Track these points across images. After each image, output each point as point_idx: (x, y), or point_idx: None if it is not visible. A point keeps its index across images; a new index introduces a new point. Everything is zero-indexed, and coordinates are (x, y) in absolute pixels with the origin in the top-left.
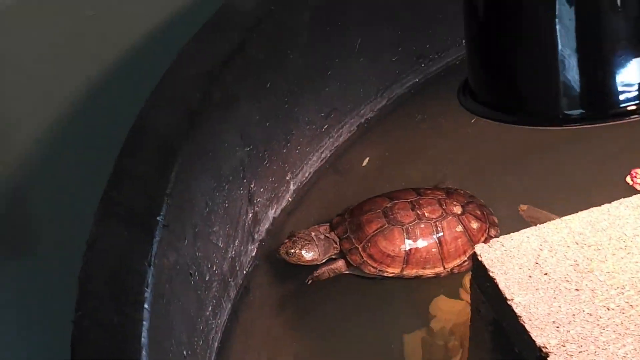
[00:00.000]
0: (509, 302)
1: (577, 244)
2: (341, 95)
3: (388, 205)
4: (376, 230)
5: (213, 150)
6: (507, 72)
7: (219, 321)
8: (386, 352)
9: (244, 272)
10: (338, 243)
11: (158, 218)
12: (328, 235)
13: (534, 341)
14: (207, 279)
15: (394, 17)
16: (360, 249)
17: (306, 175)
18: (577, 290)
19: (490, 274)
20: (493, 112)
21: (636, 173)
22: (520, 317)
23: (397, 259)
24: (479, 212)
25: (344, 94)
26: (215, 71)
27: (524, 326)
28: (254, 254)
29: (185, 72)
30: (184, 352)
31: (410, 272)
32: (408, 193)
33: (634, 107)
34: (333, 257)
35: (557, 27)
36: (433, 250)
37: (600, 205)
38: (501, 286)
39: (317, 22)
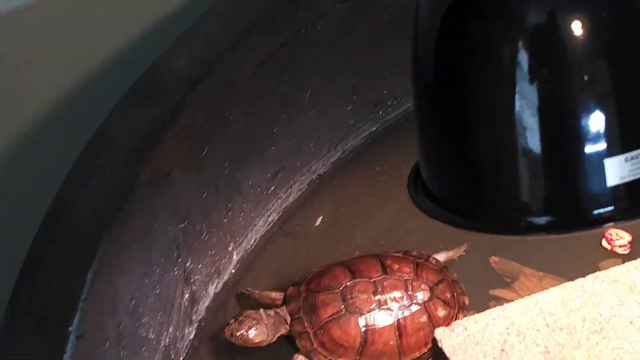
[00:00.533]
0: None
1: (548, 326)
2: (289, 153)
3: (348, 285)
4: (331, 316)
5: (141, 234)
6: (460, 171)
7: None
8: None
9: (180, 359)
10: (289, 322)
11: (70, 329)
12: (279, 311)
13: None
14: None
15: (347, 64)
16: (311, 335)
17: (251, 242)
18: None
19: None
20: (447, 214)
21: (610, 235)
22: None
23: (350, 350)
24: (448, 295)
25: (293, 150)
26: (142, 145)
27: None
28: (192, 336)
29: (108, 147)
30: None
31: None
32: (372, 267)
33: (607, 215)
34: (284, 334)
35: (517, 123)
36: (391, 343)
37: (573, 280)
38: None
39: (261, 77)
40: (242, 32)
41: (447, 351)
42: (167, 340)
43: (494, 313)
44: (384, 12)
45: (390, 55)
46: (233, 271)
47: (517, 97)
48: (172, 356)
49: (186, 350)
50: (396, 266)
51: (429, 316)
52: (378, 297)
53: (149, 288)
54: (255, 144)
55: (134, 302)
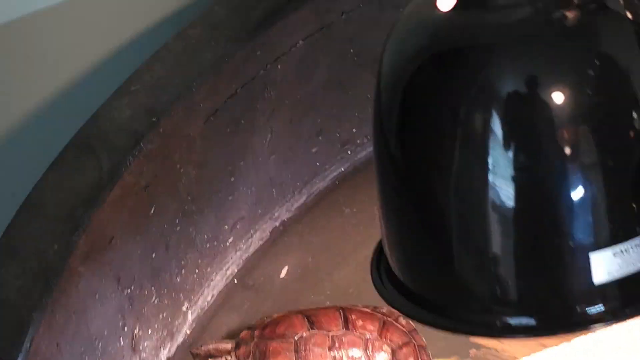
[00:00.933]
0: None
1: None
2: (249, 201)
3: (304, 335)
4: None
5: (79, 311)
6: (429, 263)
7: None
8: None
9: None
10: None
11: None
12: (231, 357)
13: None
14: None
15: (311, 103)
16: None
17: (208, 299)
18: None
19: None
20: (415, 310)
21: None
22: None
23: None
24: None
25: (253, 199)
26: (77, 213)
27: None
28: None
29: (40, 214)
30: None
31: None
32: (334, 319)
33: (595, 315)
34: None
35: (489, 210)
36: None
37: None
38: None
39: (215, 125)
40: (193, 77)
41: None
42: None
43: None
44: (348, 47)
45: (357, 92)
46: (188, 332)
47: (489, 178)
48: None
49: None
50: (360, 322)
51: None
52: (334, 352)
53: None
54: (210, 195)
55: None
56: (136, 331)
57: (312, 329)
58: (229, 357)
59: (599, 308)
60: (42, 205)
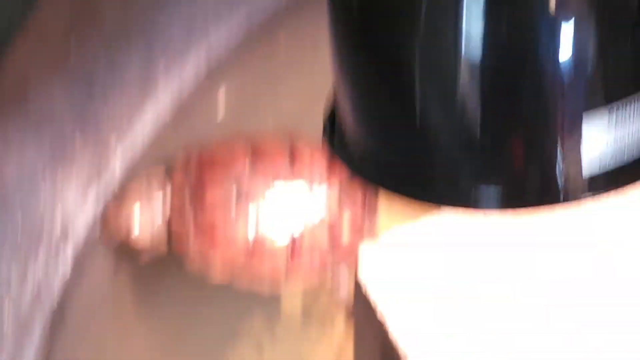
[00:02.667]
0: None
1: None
2: (182, 26)
3: (247, 164)
4: (217, 218)
5: None
6: (395, 115)
7: None
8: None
9: (53, 297)
10: (167, 216)
11: None
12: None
13: None
14: None
15: None
16: (190, 237)
17: (139, 139)
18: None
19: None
20: (377, 174)
21: None
22: None
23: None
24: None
25: (187, 23)
26: None
27: None
28: (67, 268)
29: None
30: None
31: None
32: (279, 148)
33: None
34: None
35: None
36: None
37: None
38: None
39: None
40: None
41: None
42: (36, 279)
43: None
44: None
45: None
46: (117, 176)
47: (462, 23)
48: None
49: (60, 285)
50: (307, 155)
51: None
52: (280, 183)
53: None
54: (137, 20)
55: None
56: (59, 182)
57: (255, 159)
58: (156, 185)
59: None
60: None
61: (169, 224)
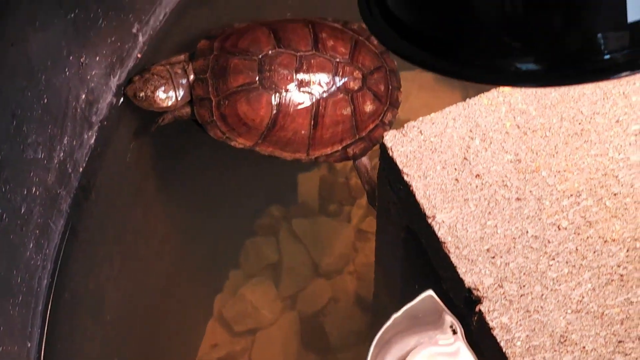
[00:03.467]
0: (429, 221)
1: (519, 128)
2: None
3: (270, 53)
4: (241, 86)
5: (17, 42)
6: None
7: (48, 252)
8: (277, 195)
9: (79, 170)
10: (191, 83)
11: None
12: (187, 69)
13: (461, 279)
14: (22, 211)
15: None
16: (213, 104)
17: (160, 18)
18: (518, 200)
19: (405, 177)
20: (414, 51)
21: None
22: (445, 243)
23: (254, 131)
24: (382, 87)
25: None
26: None
27: (448, 257)
28: (92, 142)
29: None
30: None
31: (265, 149)
32: (303, 37)
33: (623, 60)
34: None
35: None
36: (302, 132)
37: None
38: (419, 196)
39: None
40: None
41: (399, 161)
42: (62, 155)
43: (454, 112)
44: None
45: None
46: (139, 56)
47: None
48: (70, 170)
49: (86, 159)
50: (331, 42)
51: (354, 109)
52: (301, 75)
53: (34, 100)
54: None
55: (15, 122)
56: (83, 59)
57: (278, 46)
58: (179, 70)
59: (628, 52)
60: None
61: (192, 88)
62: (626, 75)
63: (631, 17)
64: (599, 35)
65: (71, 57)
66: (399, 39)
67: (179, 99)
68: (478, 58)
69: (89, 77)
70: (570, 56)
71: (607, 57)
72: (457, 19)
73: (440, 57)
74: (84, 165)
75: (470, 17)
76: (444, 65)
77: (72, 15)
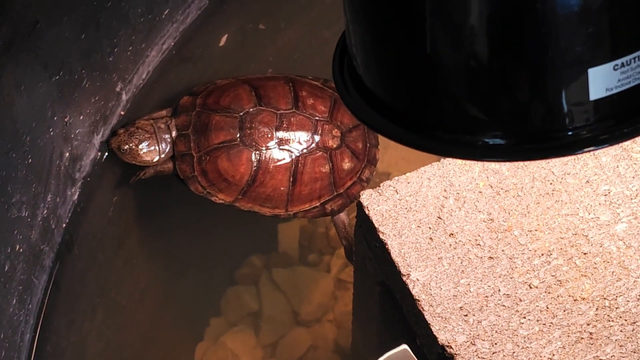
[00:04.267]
0: (403, 279)
1: (492, 187)
2: None
3: (250, 111)
4: (222, 143)
5: (2, 105)
6: (400, 68)
7: (30, 307)
8: (258, 245)
9: (63, 226)
10: (173, 138)
11: None
12: (170, 124)
13: (435, 336)
14: (6, 269)
15: None
16: (195, 160)
17: (143, 76)
18: (491, 258)
19: (380, 236)
20: (387, 125)
21: None
22: (419, 301)
23: (234, 187)
24: (360, 145)
25: None
26: None
27: (422, 314)
28: (75, 197)
29: None
30: None
31: (244, 205)
32: (282, 94)
33: (587, 135)
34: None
35: (474, 19)
36: (282, 189)
37: None
38: (394, 255)
39: None
40: None
41: (375, 220)
42: (45, 212)
43: (429, 171)
44: None
45: None
46: (122, 113)
47: None
48: (53, 226)
49: (69, 214)
50: (310, 101)
51: (332, 167)
52: (280, 133)
53: (18, 160)
54: None
55: None
56: (67, 119)
57: (259, 104)
58: (162, 125)
59: (591, 128)
60: None
61: (174, 144)
62: (589, 151)
63: (593, 95)
64: (563, 111)
65: (55, 118)
66: (373, 112)
67: (161, 154)
68: (448, 134)
69: (72, 136)
70: (535, 132)
71: (570, 132)
72: (427, 96)
73: (411, 131)
74: (67, 220)
75: (439, 94)
76: (415, 140)
77: (57, 77)
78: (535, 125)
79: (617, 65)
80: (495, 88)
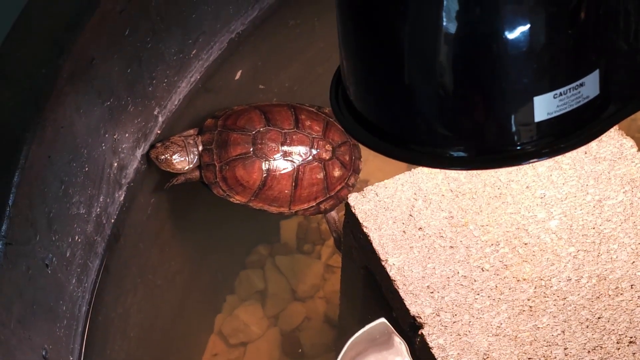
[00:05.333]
0: (382, 264)
1: (452, 191)
2: (210, 18)
3: (261, 130)
4: (239, 155)
5: (66, 125)
6: (387, 96)
7: (86, 285)
8: (264, 237)
9: (112, 221)
10: (200, 152)
11: None
12: (197, 141)
13: (408, 309)
14: (67, 254)
15: None
16: (217, 169)
17: (175, 103)
18: (451, 247)
19: (364, 229)
20: (374, 141)
21: None
22: (395, 281)
23: (248, 190)
24: (347, 157)
25: (213, 15)
26: (62, 38)
27: (398, 292)
28: (122, 199)
29: (26, 44)
30: (44, 350)
31: (256, 205)
32: (286, 118)
33: (532, 149)
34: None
35: (442, 58)
36: (286, 191)
37: None
38: (375, 244)
39: None
40: None
41: (360, 217)
42: (98, 209)
43: (402, 179)
44: None
45: None
46: (159, 132)
47: (442, 20)
48: (104, 221)
49: (117, 212)
50: (308, 122)
51: (325, 174)
52: (285, 147)
53: (78, 169)
54: (176, 14)
55: (62, 187)
56: (115, 136)
57: (268, 125)
58: (191, 141)
59: (536, 143)
60: (28, 31)
61: (200, 156)
62: (534, 162)
63: (537, 118)
64: (513, 130)
65: (107, 135)
66: (362, 130)
67: (191, 163)
68: (422, 147)
69: (120, 150)
70: (490, 146)
71: (519, 147)
72: (405, 117)
73: (392, 145)
74: (115, 217)
75: (415, 116)
76: (395, 152)
77: (108, 103)
78: (491, 141)
79: (556, 94)
80: (459, 111)
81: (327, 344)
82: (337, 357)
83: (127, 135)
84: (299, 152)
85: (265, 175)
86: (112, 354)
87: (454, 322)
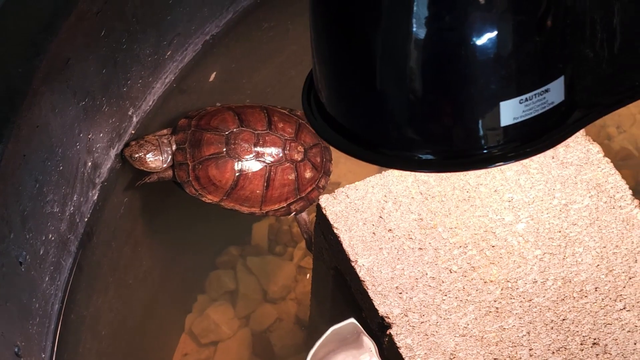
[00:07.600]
0: (352, 264)
1: (422, 194)
2: (185, 20)
3: (234, 131)
4: (212, 155)
5: (41, 124)
6: (359, 101)
7: (59, 283)
8: (235, 238)
9: (85, 220)
10: (173, 151)
11: None
12: (170, 140)
13: (376, 309)
14: (41, 252)
15: None
16: (190, 168)
17: (150, 103)
18: (420, 249)
19: (335, 230)
20: (346, 144)
21: None
22: (364, 281)
23: (220, 189)
24: (318, 159)
25: (188, 17)
26: (38, 38)
27: (367, 292)
28: (95, 198)
29: (2, 43)
30: (16, 347)
31: (228, 204)
32: (260, 120)
33: (498, 153)
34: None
35: (409, 57)
36: (257, 192)
37: None
38: (345, 245)
39: None
40: None
41: (331, 218)
42: (72, 208)
43: (372, 181)
44: None
45: None
46: (133, 132)
47: (413, 27)
48: (77, 220)
49: (90, 211)
50: (281, 124)
51: (297, 175)
52: (257, 148)
53: (52, 168)
54: (151, 16)
55: (37, 185)
56: (90, 135)
57: (241, 126)
58: (165, 140)
59: (502, 147)
60: (4, 31)
61: (173, 155)
62: (500, 165)
63: (503, 122)
64: (480, 134)
65: (81, 135)
66: (333, 133)
67: (164, 163)
68: (392, 150)
69: (94, 149)
70: (458, 150)
71: (485, 151)
72: (375, 121)
73: (363, 148)
74: (88, 216)
75: (385, 120)
76: (366, 155)
77: (83, 103)
78: (458, 145)
79: (522, 99)
80: (428, 116)
81: (298, 345)
82: (307, 356)
83: (101, 135)
84: (271, 153)
85: (237, 175)
86: (84, 352)
87: (422, 323)
